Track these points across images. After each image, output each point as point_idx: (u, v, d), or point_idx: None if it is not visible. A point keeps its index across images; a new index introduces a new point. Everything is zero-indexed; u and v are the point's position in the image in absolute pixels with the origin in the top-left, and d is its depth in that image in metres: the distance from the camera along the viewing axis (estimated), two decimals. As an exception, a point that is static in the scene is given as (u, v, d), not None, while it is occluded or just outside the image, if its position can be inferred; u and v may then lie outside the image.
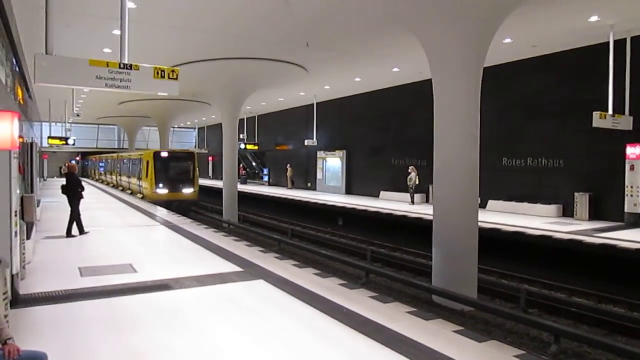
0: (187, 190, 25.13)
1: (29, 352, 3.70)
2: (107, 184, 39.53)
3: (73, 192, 12.29)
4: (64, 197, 12.42)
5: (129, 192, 29.67)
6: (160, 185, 24.37)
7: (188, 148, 47.12)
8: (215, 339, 5.43)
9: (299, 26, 13.36)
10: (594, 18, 12.39)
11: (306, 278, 8.28)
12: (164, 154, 25.49)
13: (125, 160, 32.63)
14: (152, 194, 24.25)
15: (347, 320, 6.07)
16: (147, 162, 24.95)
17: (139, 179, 26.71)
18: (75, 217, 12.29)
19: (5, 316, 4.79)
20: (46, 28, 6.65)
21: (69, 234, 12.19)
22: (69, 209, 12.30)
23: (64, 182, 12.60)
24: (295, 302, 6.88)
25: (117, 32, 7.50)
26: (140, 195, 26.05)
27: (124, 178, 32.21)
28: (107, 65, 6.97)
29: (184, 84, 18.83)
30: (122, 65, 7.07)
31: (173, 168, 25.41)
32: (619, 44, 13.22)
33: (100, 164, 47.16)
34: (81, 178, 13.42)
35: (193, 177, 25.48)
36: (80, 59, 6.86)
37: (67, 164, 13.60)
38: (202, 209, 28.47)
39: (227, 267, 9.12)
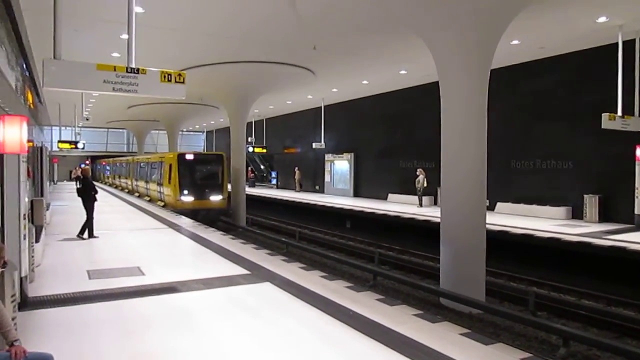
0: (216, 198, 21.71)
1: (35, 354, 3.73)
2: (122, 189, 36.96)
3: (87, 195, 12.46)
4: (73, 201, 12.55)
5: (147, 199, 27.00)
6: (185, 192, 21.20)
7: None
8: (222, 341, 5.44)
9: (306, 30, 13.39)
10: (602, 19, 12.32)
11: (313, 281, 8.28)
12: (190, 157, 22.10)
13: (142, 164, 29.72)
14: (175, 201, 21.21)
15: (354, 322, 6.06)
16: (170, 166, 21.90)
17: (160, 184, 23.86)
18: (90, 220, 12.42)
19: (13, 319, 4.84)
20: (54, 33, 6.71)
21: (80, 234, 12.33)
22: (78, 212, 12.40)
23: (79, 186, 12.84)
24: (302, 305, 6.88)
25: (125, 36, 7.55)
26: (162, 204, 23.17)
27: (141, 183, 29.49)
28: (115, 70, 7.03)
29: (192, 88, 19.08)
30: (129, 70, 7.12)
31: (200, 172, 22.27)
32: (628, 44, 13.12)
33: (107, 168, 46.95)
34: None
35: (222, 183, 22.16)
36: (88, 64, 6.93)
37: (76, 168, 13.84)
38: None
39: (234, 269, 9.14)
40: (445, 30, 10.02)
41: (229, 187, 23.02)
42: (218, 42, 14.79)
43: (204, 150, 51.67)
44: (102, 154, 51.48)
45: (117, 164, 41.63)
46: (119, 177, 39.64)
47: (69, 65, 6.78)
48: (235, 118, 22.88)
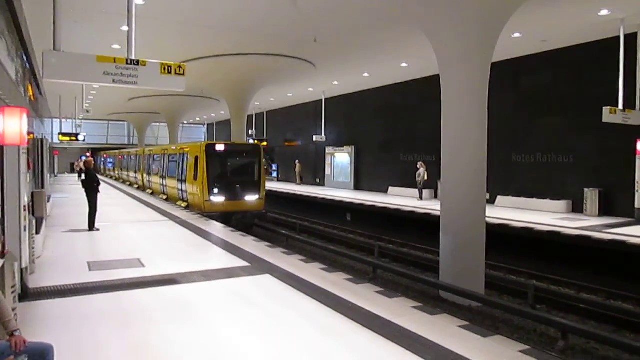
0: (252, 198, 17.95)
1: (35, 344, 3.75)
2: (130, 184, 33.40)
3: (90, 187, 12.49)
4: (74, 193, 12.58)
5: (163, 197, 23.29)
6: (216, 191, 17.39)
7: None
8: (222, 333, 5.47)
9: (307, 22, 13.35)
10: (604, 12, 12.27)
11: (313, 273, 8.30)
12: (221, 148, 18.14)
13: (157, 156, 25.49)
14: (202, 203, 17.37)
15: (353, 315, 6.08)
16: (196, 159, 17.97)
17: (182, 181, 19.83)
18: (93, 211, 12.44)
19: (14, 309, 4.86)
20: (54, 24, 6.71)
21: (91, 228, 12.38)
22: (79, 204, 12.43)
23: (83, 177, 13.11)
24: (302, 297, 6.90)
25: (126, 28, 7.54)
26: (183, 204, 19.31)
27: (155, 179, 25.36)
28: (115, 61, 7.03)
29: (193, 80, 19.08)
30: (129, 61, 7.12)
31: (233, 167, 18.64)
32: (630, 38, 13.08)
33: (110, 160, 45.70)
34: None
35: (259, 180, 18.30)
36: (88, 55, 6.93)
37: (78, 161, 13.94)
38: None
39: (234, 262, 9.17)
40: (446, 22, 9.98)
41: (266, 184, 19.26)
42: (218, 35, 14.76)
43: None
44: (103, 147, 51.46)
45: (125, 157, 37.42)
46: (126, 171, 36.01)
47: (69, 57, 6.79)
48: (236, 110, 22.86)
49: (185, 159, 19.55)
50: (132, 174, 33.40)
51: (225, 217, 16.57)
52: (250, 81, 21.03)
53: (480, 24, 9.65)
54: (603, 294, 10.83)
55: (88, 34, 14.43)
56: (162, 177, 23.74)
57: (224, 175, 17.98)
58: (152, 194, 25.68)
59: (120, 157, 40.29)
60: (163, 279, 7.74)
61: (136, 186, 30.95)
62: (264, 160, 18.99)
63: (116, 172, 42.17)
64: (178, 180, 20.34)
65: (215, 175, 17.64)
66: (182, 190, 19.88)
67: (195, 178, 17.93)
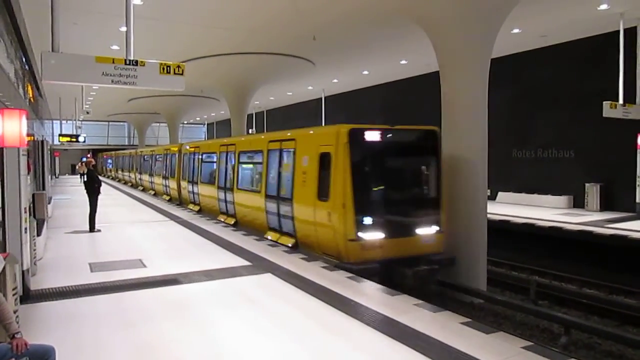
0: (428, 231, 9.61)
1: (36, 346, 3.74)
2: (155, 193, 25.09)
3: (91, 188, 12.50)
4: (75, 194, 12.56)
5: (227, 222, 14.30)
6: (369, 220, 9.08)
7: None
8: (224, 332, 5.46)
9: (306, 20, 13.33)
10: (603, 6, 12.24)
11: (314, 271, 8.29)
12: (375, 136, 9.58)
13: (229, 155, 14.81)
14: (344, 243, 8.93)
15: (356, 313, 6.08)
16: (324, 158, 9.58)
17: (282, 200, 11.11)
18: (92, 212, 12.44)
19: (15, 312, 4.85)
20: (52, 26, 6.70)
21: (91, 229, 12.38)
22: (80, 205, 12.42)
23: (85, 179, 13.12)
24: (303, 295, 6.89)
25: (124, 28, 7.53)
26: (289, 241, 10.66)
27: (229, 197, 14.58)
28: (113, 62, 7.03)
29: (193, 80, 19.03)
30: (128, 62, 7.11)
31: (397, 173, 10.24)
32: (630, 32, 13.05)
33: (112, 162, 44.32)
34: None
35: (438, 195, 9.88)
36: (86, 56, 6.92)
37: (81, 163, 13.89)
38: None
39: (236, 261, 9.15)
40: (445, 18, 9.97)
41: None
42: (217, 34, 14.74)
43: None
44: (104, 148, 51.44)
45: (145, 157, 28.21)
46: (149, 175, 26.80)
47: (68, 58, 6.78)
48: (236, 110, 22.84)
49: (293, 156, 10.79)
50: (157, 179, 24.51)
51: (387, 271, 8.90)
52: (249, 80, 21.01)
53: (479, 20, 9.63)
54: (605, 289, 10.83)
55: (87, 35, 14.41)
56: (235, 189, 14.06)
57: (382, 190, 9.64)
58: (237, 223, 14.10)
59: (135, 157, 31.77)
60: (165, 279, 7.73)
61: (166, 197, 22.37)
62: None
63: (125, 175, 35.59)
64: (280, 198, 11.16)
65: (368, 191, 9.44)
66: (285, 214, 10.90)
67: (323, 194, 9.40)
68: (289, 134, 11.65)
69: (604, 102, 12.34)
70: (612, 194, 15.18)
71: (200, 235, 12.12)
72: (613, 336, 7.48)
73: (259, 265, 8.79)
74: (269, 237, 11.55)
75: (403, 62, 19.18)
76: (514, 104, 17.76)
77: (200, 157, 17.79)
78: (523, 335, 7.52)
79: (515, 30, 14.15)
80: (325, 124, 27.86)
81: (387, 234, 9.07)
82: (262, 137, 13.82)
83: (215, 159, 16.25)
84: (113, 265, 8.71)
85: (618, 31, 12.95)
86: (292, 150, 10.88)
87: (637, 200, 14.03)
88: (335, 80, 24.42)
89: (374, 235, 9.00)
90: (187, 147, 19.58)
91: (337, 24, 13.86)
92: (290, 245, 10.50)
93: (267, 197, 11.81)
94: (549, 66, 16.81)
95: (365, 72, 21.92)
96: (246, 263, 8.96)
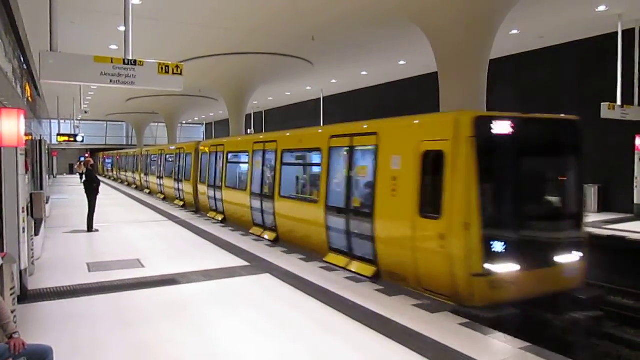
0: (569, 259, 7.22)
1: (34, 346, 3.74)
2: (165, 198, 22.52)
3: (89, 188, 12.51)
4: (73, 194, 12.55)
5: (270, 239, 11.67)
6: (502, 246, 6.52)
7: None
8: (221, 332, 5.45)
9: (305, 20, 13.33)
10: (601, 8, 12.27)
11: (312, 272, 8.28)
12: (507, 128, 6.77)
13: (267, 154, 12.57)
14: (467, 278, 6.43)
15: (354, 313, 6.07)
16: (441, 157, 6.82)
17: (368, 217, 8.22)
18: (91, 212, 12.42)
19: (13, 312, 4.84)
20: (50, 25, 6.70)
21: (89, 229, 12.36)
22: (78, 205, 12.41)
23: (84, 179, 13.21)
24: (301, 296, 6.89)
25: (123, 28, 7.53)
26: (369, 273, 8.09)
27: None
28: (112, 62, 7.03)
29: (191, 80, 19.01)
30: (126, 62, 7.12)
31: (535, 179, 7.81)
32: (628, 33, 13.07)
33: (113, 162, 43.55)
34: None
35: (580, 207, 7.80)
36: (85, 56, 6.92)
37: (79, 163, 13.89)
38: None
39: (234, 261, 9.15)
40: (444, 19, 9.98)
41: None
42: (216, 34, 14.73)
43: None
44: (102, 147, 51.39)
45: (152, 157, 25.39)
46: (157, 177, 24.31)
47: (66, 57, 6.78)
48: (235, 110, 22.84)
49: (373, 157, 8.30)
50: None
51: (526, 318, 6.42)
52: (248, 80, 21.02)
53: (477, 21, 9.65)
54: (603, 290, 10.81)
55: (85, 35, 14.41)
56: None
57: (517, 203, 7.00)
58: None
59: (146, 156, 27.76)
60: (163, 279, 7.72)
61: (181, 203, 19.77)
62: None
63: (128, 175, 32.72)
64: (351, 211, 8.74)
65: (503, 204, 7.02)
66: (360, 235, 8.45)
67: (429, 209, 7.00)
68: (365, 127, 8.88)
69: (602, 104, 12.37)
70: (610, 195, 15.19)
71: (199, 236, 12.12)
72: (611, 337, 7.46)
73: (257, 265, 8.78)
74: (333, 262, 8.90)
75: (402, 62, 19.20)
76: (511, 105, 17.70)
77: (225, 157, 15.17)
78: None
79: (514, 32, 14.17)
80: (323, 125, 27.60)
81: (522, 265, 6.57)
82: (321, 130, 11.26)
83: (247, 160, 13.74)
84: (111, 265, 8.70)
85: (616, 33, 12.98)
86: (371, 147, 8.29)
87: (636, 201, 14.05)
88: (333, 81, 24.43)
89: (507, 267, 6.50)
90: (206, 146, 17.39)
91: (336, 25, 13.87)
92: (369, 275, 7.98)
93: (329, 209, 9.30)
94: (547, 67, 16.82)
95: (364, 73, 21.93)
96: (245, 263, 8.96)
